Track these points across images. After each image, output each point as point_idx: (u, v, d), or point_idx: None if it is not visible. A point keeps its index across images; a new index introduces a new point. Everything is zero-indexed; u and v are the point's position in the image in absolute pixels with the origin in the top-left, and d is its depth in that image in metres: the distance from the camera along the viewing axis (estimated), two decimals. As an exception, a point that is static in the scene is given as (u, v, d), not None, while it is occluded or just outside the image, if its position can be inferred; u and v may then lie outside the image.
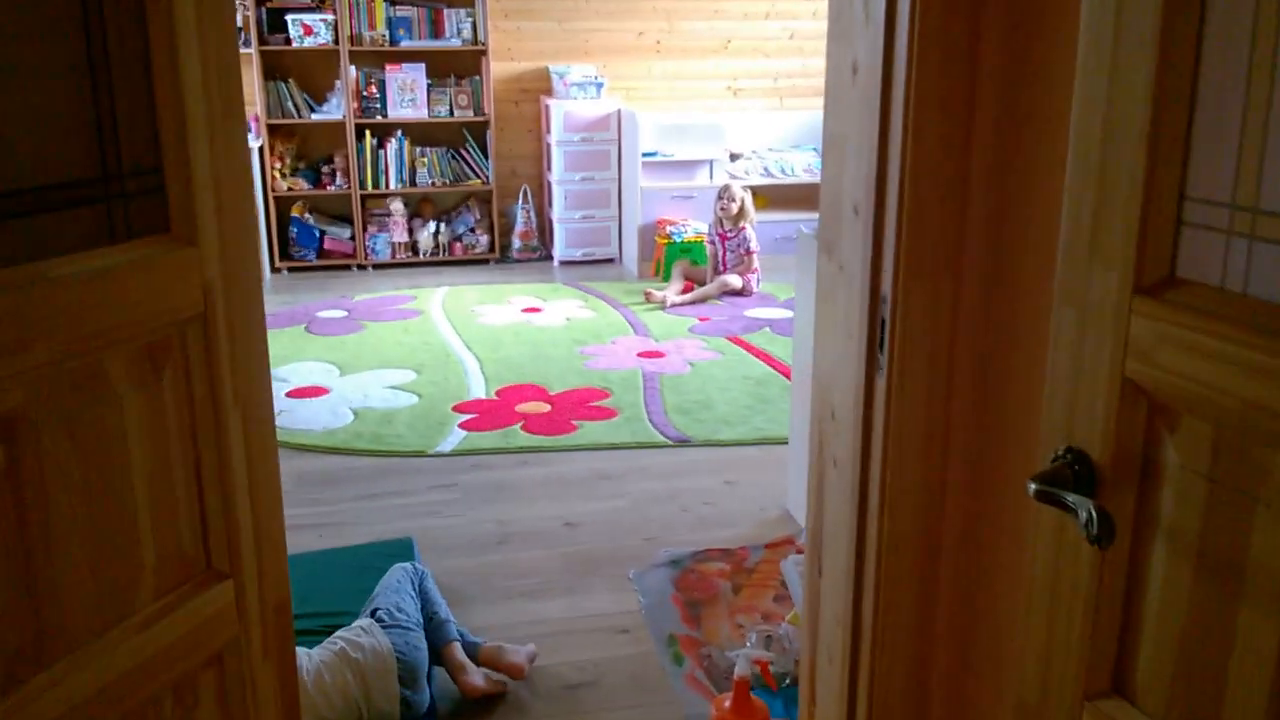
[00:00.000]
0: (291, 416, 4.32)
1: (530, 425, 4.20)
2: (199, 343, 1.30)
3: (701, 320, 5.69)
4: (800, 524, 3.36)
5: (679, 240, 6.51)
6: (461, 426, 4.20)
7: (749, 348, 5.17)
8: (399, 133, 6.86)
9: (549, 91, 7.20)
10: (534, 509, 3.51)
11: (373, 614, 2.38)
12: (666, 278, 6.43)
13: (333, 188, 6.87)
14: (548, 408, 4.40)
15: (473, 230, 7.12)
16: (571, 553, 3.21)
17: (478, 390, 4.62)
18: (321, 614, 2.65)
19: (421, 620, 2.45)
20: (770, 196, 7.19)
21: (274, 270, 6.83)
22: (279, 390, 4.61)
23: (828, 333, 1.85)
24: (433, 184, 6.97)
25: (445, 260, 7.05)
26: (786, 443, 3.97)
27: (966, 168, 1.52)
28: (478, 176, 7.05)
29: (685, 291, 6.13)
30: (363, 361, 5.03)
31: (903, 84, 1.49)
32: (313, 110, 6.79)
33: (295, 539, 3.25)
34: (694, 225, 6.57)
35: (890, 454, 1.62)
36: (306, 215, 6.89)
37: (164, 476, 1.28)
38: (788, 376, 4.69)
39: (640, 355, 5.07)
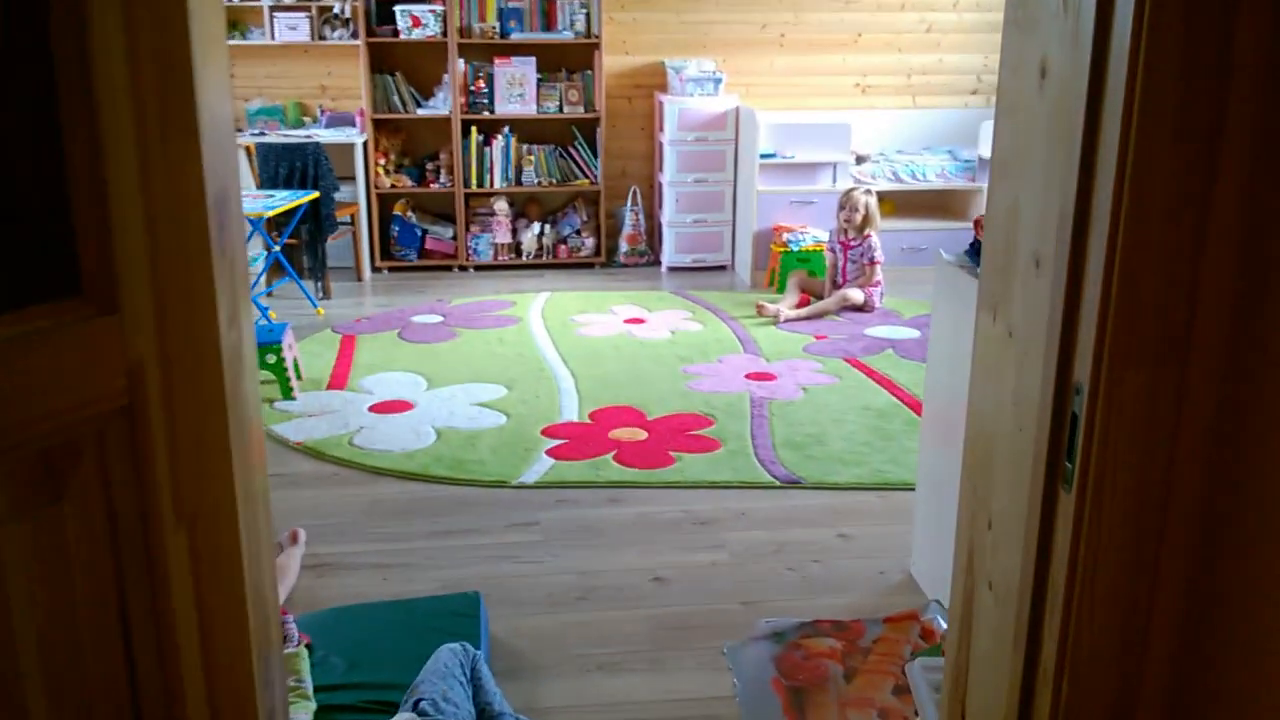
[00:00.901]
0: (371, 434, 4.04)
1: (623, 455, 3.83)
2: (123, 444, 0.95)
3: (818, 338, 5.23)
4: (926, 593, 2.91)
5: (796, 249, 6.05)
6: (549, 454, 3.85)
7: (870, 372, 4.69)
8: (506, 129, 6.57)
9: (664, 87, 6.82)
10: (621, 558, 3.13)
11: (415, 706, 2.03)
12: (781, 289, 5.98)
13: (436, 185, 6.62)
14: (644, 435, 4.02)
15: (579, 232, 6.79)
16: (660, 616, 2.82)
17: (570, 411, 4.27)
18: (365, 685, 2.31)
19: (473, 712, 2.09)
20: (898, 202, 6.67)
21: (374, 270, 6.62)
22: (362, 404, 4.35)
23: (987, 414, 1.41)
24: (539, 183, 6.66)
25: (549, 263, 6.74)
26: (912, 489, 3.51)
27: (1204, 216, 1.07)
28: (586, 176, 6.71)
29: (801, 305, 5.68)
30: (452, 373, 4.73)
31: (1121, 91, 1.04)
32: (419, 105, 6.55)
33: (359, 581, 2.95)
34: (813, 233, 6.11)
35: (1076, 600, 1.18)
36: (409, 213, 6.66)
37: (65, 636, 0.93)
38: (915, 410, 4.21)
39: (749, 377, 4.65)
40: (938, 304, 2.79)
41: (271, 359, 4.38)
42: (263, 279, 6.00)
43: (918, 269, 6.41)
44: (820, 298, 5.78)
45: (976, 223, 2.58)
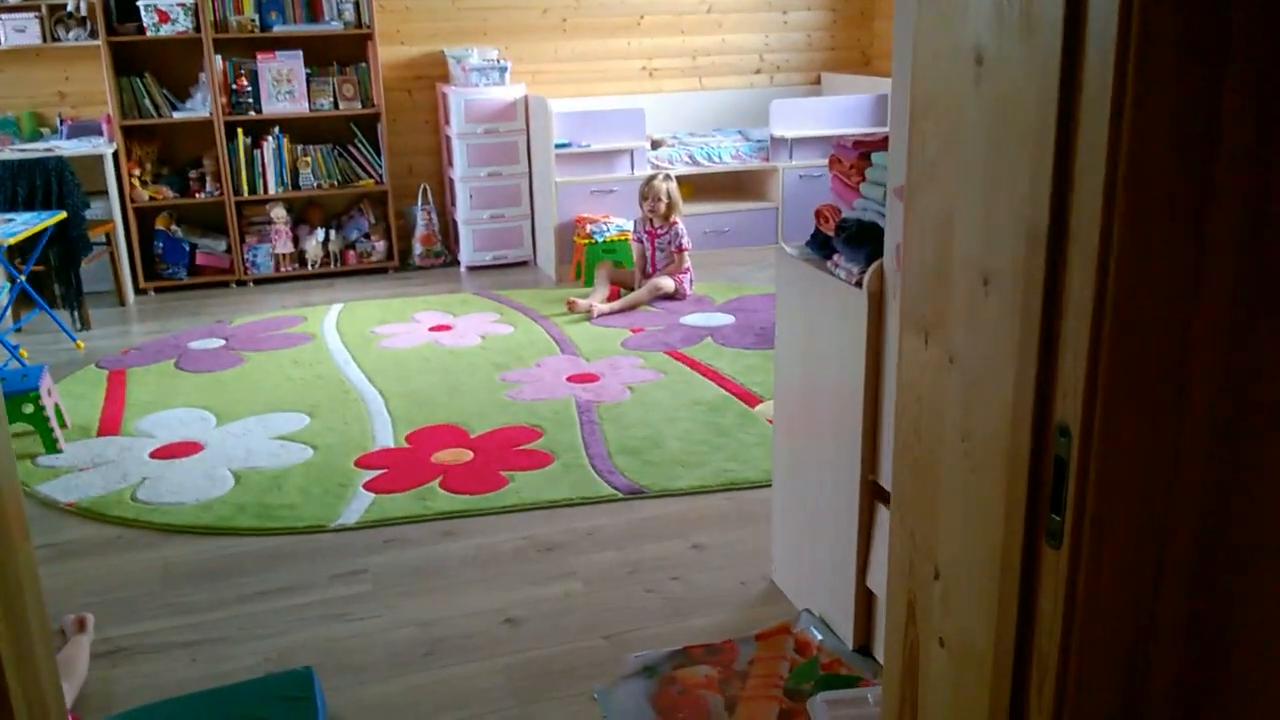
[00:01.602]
0: (156, 486, 3.57)
1: (451, 480, 3.53)
2: None
3: (634, 331, 5.07)
4: (794, 602, 2.78)
5: (601, 240, 5.87)
6: (368, 487, 3.51)
7: (693, 364, 4.57)
8: (276, 130, 6.06)
9: (446, 78, 6.47)
10: (465, 600, 2.85)
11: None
12: (589, 283, 5.79)
13: (203, 195, 6.03)
14: (470, 455, 3.73)
15: (367, 236, 6.36)
16: (518, 663, 2.57)
17: (385, 436, 3.92)
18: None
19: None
20: (696, 185, 6.59)
21: (139, 292, 5.98)
22: (142, 451, 3.85)
23: (922, 446, 1.24)
24: (318, 186, 6.19)
25: (338, 271, 6.29)
26: (759, 487, 3.40)
27: (1203, 221, 0.92)
28: (370, 176, 6.29)
29: (612, 298, 5.50)
30: (244, 404, 4.28)
31: (1108, 82, 0.88)
32: (175, 108, 5.93)
33: (163, 666, 2.56)
34: (616, 222, 5.94)
35: (1073, 670, 1.02)
36: (174, 227, 6.05)
37: None
38: (746, 401, 4.11)
39: (571, 380, 4.43)
40: (783, 298, 2.65)
41: (29, 409, 3.81)
42: (8, 315, 5.28)
43: (722, 251, 6.36)
44: (630, 289, 5.62)
45: (818, 214, 2.45)
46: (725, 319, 5.21)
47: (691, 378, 4.41)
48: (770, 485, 3.36)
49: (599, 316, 5.29)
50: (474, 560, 3.06)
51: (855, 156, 2.36)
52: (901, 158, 2.07)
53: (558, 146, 5.97)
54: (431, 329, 5.20)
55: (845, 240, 2.27)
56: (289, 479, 3.59)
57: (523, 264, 6.43)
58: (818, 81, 7.26)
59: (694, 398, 4.19)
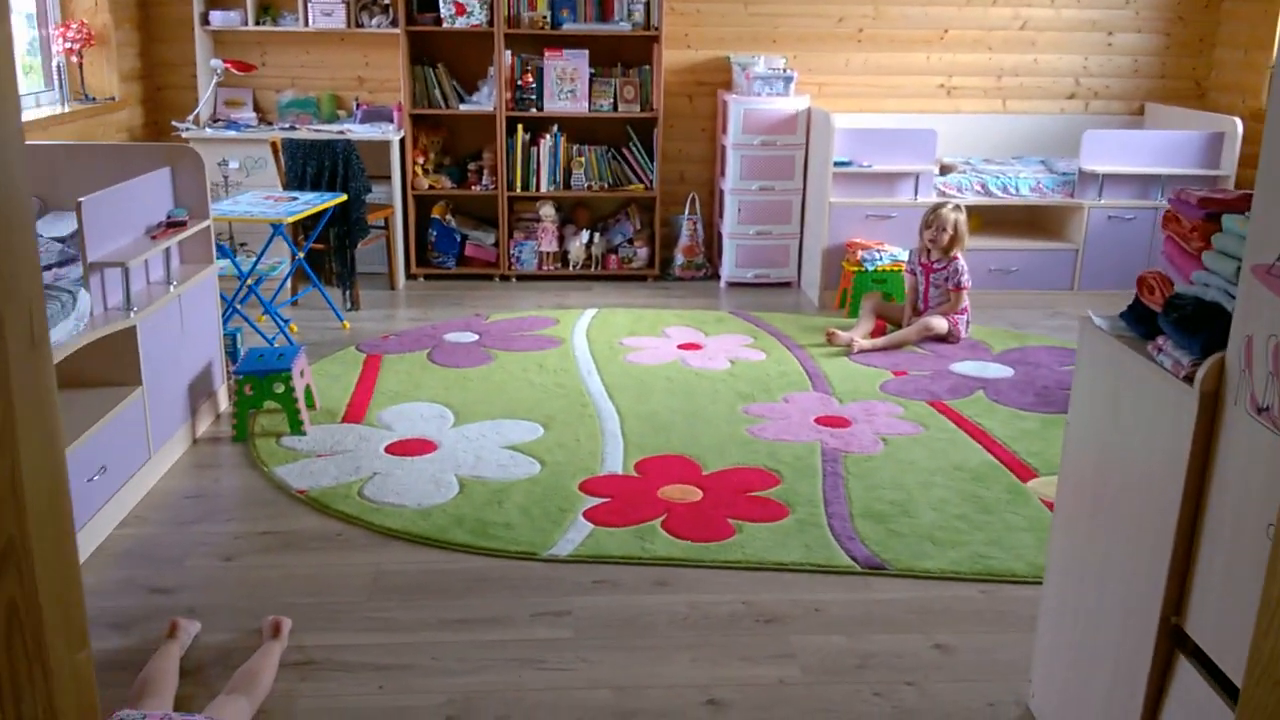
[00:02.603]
0: (385, 483, 3.51)
1: (674, 521, 3.26)
2: None
3: (896, 374, 4.62)
4: (1050, 740, 2.31)
5: (871, 268, 5.44)
6: (588, 516, 3.30)
7: (960, 420, 4.08)
8: (555, 128, 6.03)
9: (728, 85, 6.23)
10: (669, 668, 2.57)
11: None
12: (854, 314, 5.37)
13: (478, 187, 6.09)
14: (699, 495, 3.45)
15: (631, 242, 6.23)
16: (714, 757, 2.26)
17: (614, 460, 3.71)
18: None
19: None
20: (985, 218, 6.02)
21: (409, 278, 6.12)
22: (379, 443, 3.83)
23: None
24: (589, 187, 6.11)
25: (597, 275, 6.19)
26: (1023, 583, 2.91)
27: None
28: (640, 181, 6.15)
29: (877, 334, 5.07)
30: (484, 406, 4.20)
31: None
32: (462, 100, 6.02)
33: (349, 686, 2.43)
34: (890, 251, 5.49)
35: None
36: (448, 217, 6.15)
37: None
38: (1018, 473, 3.60)
39: (819, 422, 4.06)
40: (1083, 375, 2.18)
41: (279, 388, 3.87)
42: (286, 287, 5.52)
43: (1006, 293, 5.77)
44: (897, 325, 5.17)
45: (1142, 282, 1.98)
46: (1002, 371, 4.66)
47: (956, 436, 3.93)
48: (1038, 584, 2.88)
49: (859, 352, 4.87)
50: (685, 620, 2.77)
51: (1200, 217, 1.87)
52: (1271, 228, 1.59)
53: (836, 164, 5.59)
54: (680, 346, 4.97)
55: (1176, 321, 1.80)
56: (511, 494, 3.44)
57: (785, 285, 6.10)
58: (1140, 112, 6.47)
59: (956, 461, 3.71)
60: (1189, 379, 1.76)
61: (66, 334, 3.12)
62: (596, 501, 3.40)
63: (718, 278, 6.19)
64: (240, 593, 2.90)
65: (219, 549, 3.13)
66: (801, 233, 6.01)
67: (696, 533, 3.19)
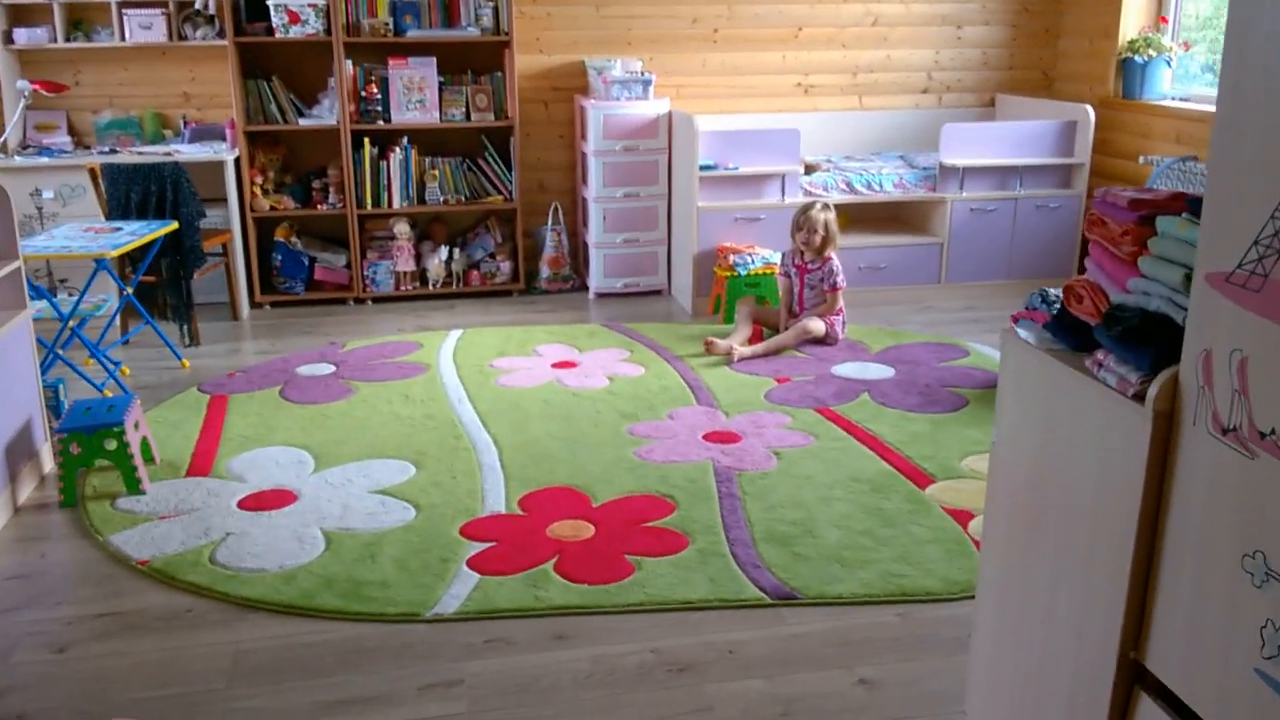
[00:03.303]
0: (240, 544, 3.15)
1: (568, 563, 3.02)
2: None
3: (779, 381, 4.48)
4: (992, 779, 2.16)
5: (744, 273, 5.30)
6: (472, 565, 3.02)
7: (850, 427, 3.96)
8: (405, 140, 5.69)
9: (585, 90, 6.01)
10: (577, 737, 2.33)
11: None
12: (729, 319, 5.23)
13: (325, 206, 5.70)
14: (591, 531, 3.21)
15: (493, 256, 5.94)
16: (639, 840, 2.03)
17: (496, 497, 3.44)
18: None
19: None
20: (851, 215, 5.97)
21: (254, 306, 5.68)
22: (231, 498, 3.45)
23: None
24: (445, 201, 5.79)
25: (460, 292, 5.88)
26: (937, 601, 2.78)
27: None
28: (499, 192, 5.86)
29: (754, 340, 4.93)
30: (347, 446, 3.86)
31: None
32: (301, 115, 5.62)
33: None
34: (762, 254, 5.37)
35: None
36: (294, 239, 5.73)
37: None
38: (914, 480, 3.48)
39: (708, 439, 3.88)
40: (1010, 392, 2.04)
41: (112, 444, 3.45)
42: (115, 326, 5.02)
43: (877, 289, 5.73)
44: (773, 329, 5.05)
45: (1069, 291, 1.85)
46: (883, 371, 4.58)
47: (848, 444, 3.81)
48: (954, 601, 2.77)
49: (740, 360, 4.72)
50: (590, 678, 2.53)
51: (1132, 221, 1.74)
52: (1226, 233, 1.45)
53: (702, 168, 5.44)
54: (554, 365, 4.72)
55: (1120, 335, 1.66)
56: (385, 546, 3.13)
57: (656, 293, 5.92)
58: (991, 104, 6.55)
59: (852, 471, 3.58)
60: (1139, 397, 1.62)
61: None
62: (481, 547, 3.12)
63: (586, 289, 5.96)
64: (79, 690, 2.51)
65: (50, 639, 2.73)
66: (670, 239, 5.84)
67: (593, 574, 2.95)
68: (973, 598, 2.71)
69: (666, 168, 5.75)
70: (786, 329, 4.96)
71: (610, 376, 4.57)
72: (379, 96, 5.58)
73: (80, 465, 3.47)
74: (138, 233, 4.39)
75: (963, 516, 3.25)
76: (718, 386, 4.43)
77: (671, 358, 4.80)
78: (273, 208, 5.62)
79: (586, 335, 5.17)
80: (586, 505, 3.38)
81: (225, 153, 5.39)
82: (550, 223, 5.99)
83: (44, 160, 5.21)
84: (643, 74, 5.72)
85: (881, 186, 5.76)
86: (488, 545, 3.13)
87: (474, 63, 5.77)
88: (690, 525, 3.23)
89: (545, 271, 6.00)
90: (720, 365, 4.69)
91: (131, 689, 2.52)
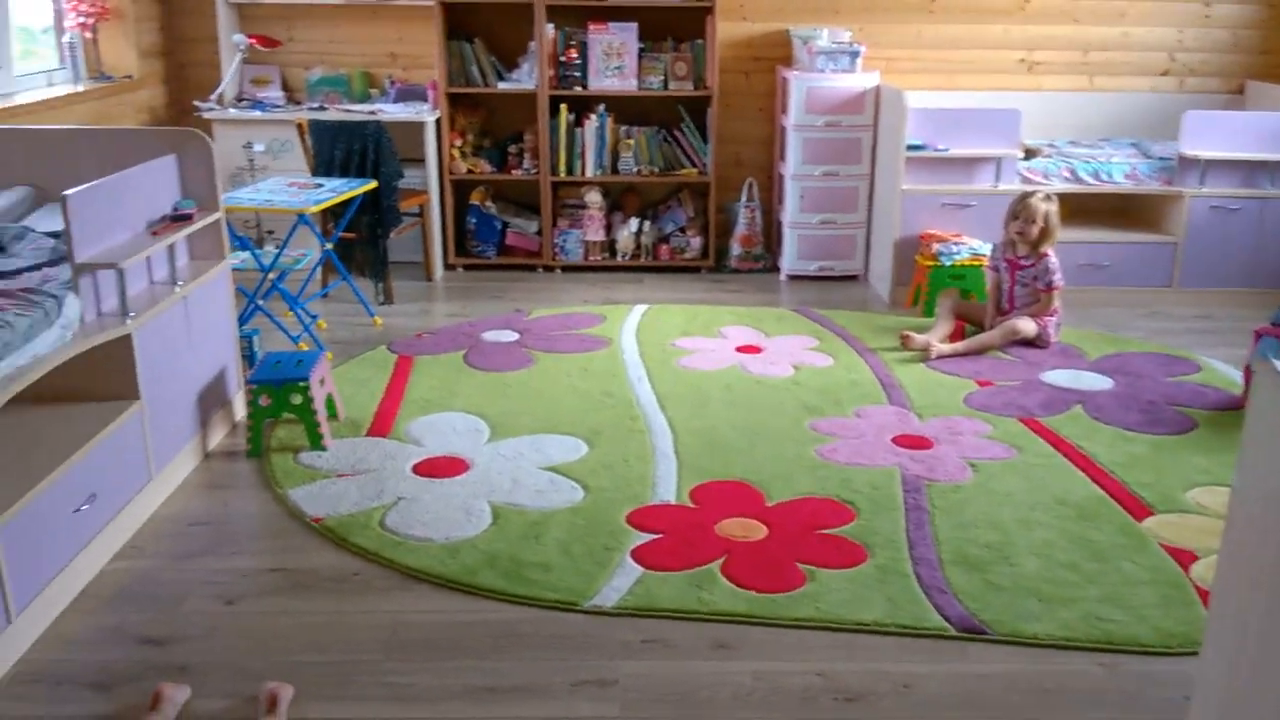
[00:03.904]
0: (410, 510, 3.13)
1: (736, 565, 2.84)
2: None
3: (981, 385, 4.15)
4: None
5: (948, 263, 4.95)
6: (636, 557, 2.89)
7: (1058, 442, 3.61)
8: (601, 108, 5.59)
9: (788, 61, 5.75)
10: (733, 761, 2.16)
11: None
12: (929, 312, 4.91)
13: (519, 172, 5.69)
14: (763, 532, 3.03)
15: (683, 231, 5.79)
16: None
17: (667, 486, 3.30)
18: None
19: None
20: (1072, 206, 5.50)
21: (448, 268, 5.74)
22: (406, 462, 3.45)
23: None
24: (638, 172, 5.67)
25: (648, 265, 5.76)
26: (1152, 654, 2.46)
27: None
28: (693, 165, 5.70)
29: (955, 337, 4.60)
30: (522, 417, 3.80)
31: None
32: (501, 78, 5.61)
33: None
34: (970, 244, 5.00)
35: None
36: (488, 203, 5.74)
37: None
38: (1130, 510, 3.13)
39: (897, 442, 3.61)
40: (1261, 433, 1.72)
41: (297, 399, 3.50)
42: (316, 278, 5.15)
43: (1096, 290, 5.26)
44: (977, 326, 4.69)
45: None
46: (1101, 382, 4.17)
47: (1055, 462, 3.47)
48: (1170, 656, 2.44)
49: (938, 358, 4.41)
50: (751, 695, 2.35)
51: None
52: None
53: (909, 148, 5.11)
54: (739, 349, 4.54)
55: None
56: (550, 527, 3.04)
57: (851, 279, 5.63)
58: (1240, 91, 5.90)
59: (1058, 493, 3.25)
60: None
61: (50, 345, 2.76)
62: (647, 538, 2.99)
63: (777, 270, 5.73)
64: (241, 646, 2.53)
65: (222, 590, 2.77)
66: (869, 222, 5.54)
67: (762, 580, 2.77)
68: (1193, 654, 2.41)
69: (871, 146, 5.44)
70: (992, 327, 4.60)
71: (796, 365, 4.35)
72: (578, 61, 5.50)
73: (268, 416, 3.54)
74: (337, 190, 4.46)
75: (1184, 557, 2.88)
76: (912, 385, 4.14)
77: (863, 350, 4.54)
78: (469, 171, 5.64)
79: (775, 319, 4.95)
80: (760, 503, 3.19)
81: (426, 114, 5.44)
82: (744, 199, 5.78)
83: (256, 114, 5.39)
84: (851, 45, 5.41)
85: (1110, 176, 5.26)
86: (654, 537, 2.99)
87: (675, 29, 5.61)
88: (871, 537, 2.99)
89: (736, 249, 5.80)
90: (916, 362, 4.39)
91: (292, 650, 2.51)
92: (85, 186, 2.98)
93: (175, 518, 3.14)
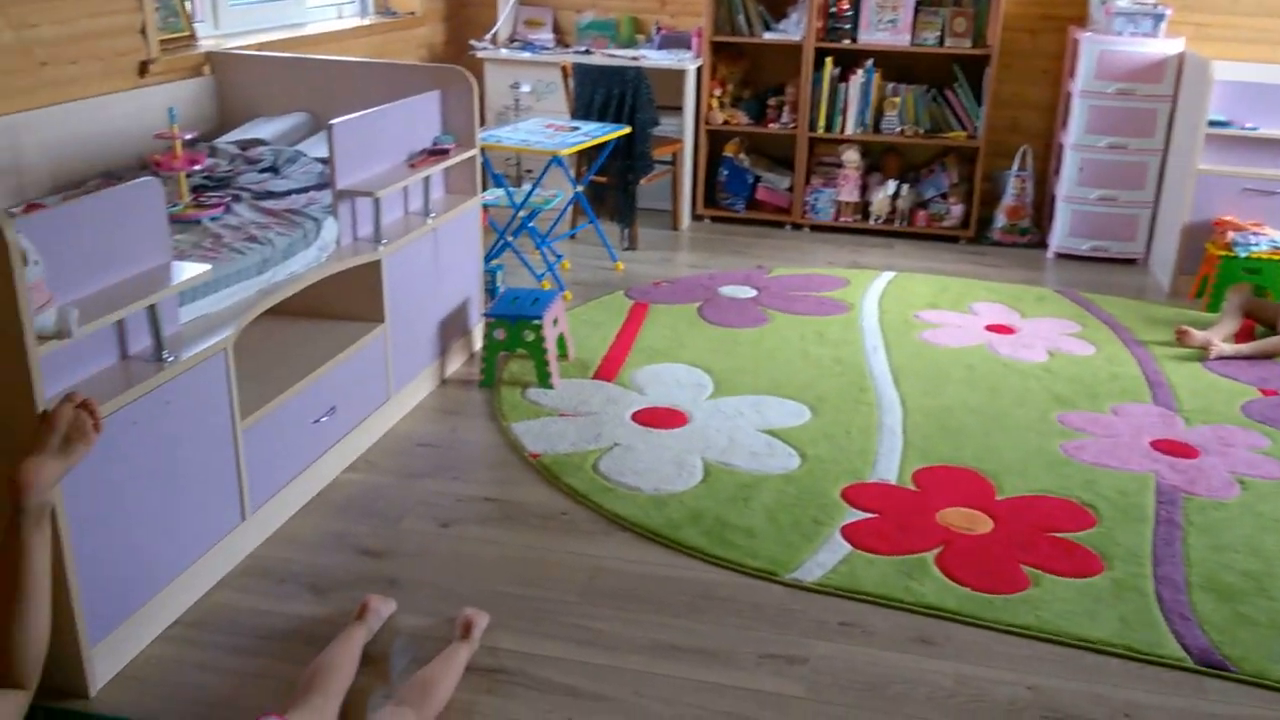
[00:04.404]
0: (624, 457, 3.13)
1: (951, 558, 2.66)
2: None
3: (1265, 394, 3.69)
4: None
5: (1243, 254, 4.43)
6: (846, 534, 2.77)
7: (1349, 468, 3.16)
8: (869, 63, 5.35)
9: (1082, 21, 5.29)
10: (919, 765, 2.03)
11: None
12: (1214, 307, 4.41)
13: (776, 125, 5.55)
14: (988, 526, 2.82)
15: (944, 197, 5.48)
16: None
17: (888, 464, 3.14)
18: None
19: None
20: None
21: (695, 218, 5.71)
22: (626, 409, 3.45)
23: None
24: (902, 132, 5.40)
25: (901, 231, 5.50)
26: None
27: None
28: (963, 128, 5.37)
29: (1242, 337, 4.11)
30: (747, 376, 3.72)
31: None
32: (767, 28, 5.46)
33: (537, 711, 2.07)
34: (1270, 236, 4.44)
35: None
36: (741, 156, 5.65)
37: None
38: None
39: (1156, 447, 3.27)
40: None
41: (530, 336, 3.58)
42: (566, 218, 5.25)
43: None
44: (1269, 328, 4.17)
45: None
46: None
47: (1344, 490, 3.04)
48: None
49: (1218, 358, 3.96)
50: (950, 699, 2.20)
51: None
52: None
53: (1211, 124, 4.58)
54: (989, 327, 4.25)
55: None
56: (760, 491, 2.96)
57: (1128, 263, 5.16)
58: None
59: (1343, 526, 2.85)
60: None
61: (306, 264, 2.93)
62: (860, 516, 2.85)
63: (1044, 246, 5.33)
64: (449, 569, 2.62)
65: (438, 512, 2.88)
66: (1157, 202, 5.04)
67: (979, 578, 2.58)
68: None
69: (1167, 119, 4.92)
70: (1287, 329, 4.08)
71: (1051, 351, 4.02)
72: (849, 13, 5.27)
73: (502, 350, 3.64)
74: (591, 134, 4.49)
75: None
76: (1182, 386, 3.74)
77: (1131, 341, 4.14)
78: (726, 121, 5.56)
79: (1034, 299, 4.61)
80: (989, 495, 2.97)
81: (688, 62, 5.38)
82: (1015, 167, 5.39)
83: (526, 55, 5.52)
84: (1155, 6, 4.89)
85: None
86: (868, 516, 2.85)
87: (960, -17, 5.27)
88: (1110, 547, 2.72)
89: (1000, 221, 5.43)
90: (1192, 360, 3.96)
91: (494, 580, 2.57)
92: (351, 117, 3.12)
93: (406, 437, 3.29)
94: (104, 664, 2.18)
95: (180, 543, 2.38)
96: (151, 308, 2.26)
